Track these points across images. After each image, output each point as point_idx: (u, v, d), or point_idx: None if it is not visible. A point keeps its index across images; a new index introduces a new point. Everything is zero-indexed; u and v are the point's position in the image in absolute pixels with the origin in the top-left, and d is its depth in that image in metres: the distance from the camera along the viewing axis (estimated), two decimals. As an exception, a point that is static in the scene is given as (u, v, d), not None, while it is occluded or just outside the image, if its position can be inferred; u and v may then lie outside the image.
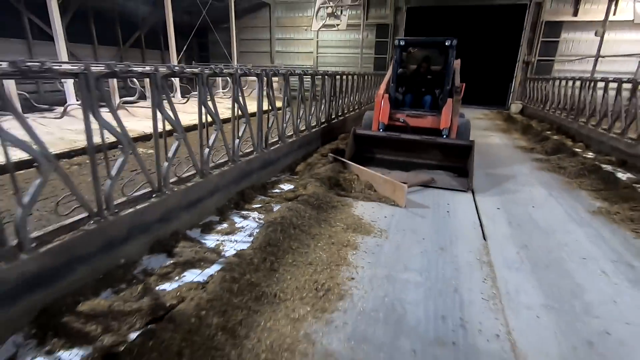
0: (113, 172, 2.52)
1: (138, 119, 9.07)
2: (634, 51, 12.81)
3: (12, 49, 11.93)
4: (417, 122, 5.91)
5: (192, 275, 2.64)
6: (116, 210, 2.58)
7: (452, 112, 5.54)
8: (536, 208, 4.33)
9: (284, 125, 5.17)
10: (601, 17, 12.37)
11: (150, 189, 2.91)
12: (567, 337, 2.18)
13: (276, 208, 3.76)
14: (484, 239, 3.48)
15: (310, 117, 6.32)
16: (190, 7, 16.61)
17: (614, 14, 13.24)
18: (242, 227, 3.45)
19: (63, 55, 8.35)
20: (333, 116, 7.70)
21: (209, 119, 3.45)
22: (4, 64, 1.87)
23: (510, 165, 6.30)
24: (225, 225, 3.46)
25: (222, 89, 14.09)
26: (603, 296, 2.60)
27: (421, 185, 4.81)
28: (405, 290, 2.59)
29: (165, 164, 2.98)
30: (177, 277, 2.61)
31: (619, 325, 2.29)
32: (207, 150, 3.39)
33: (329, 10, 13.00)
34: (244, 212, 3.77)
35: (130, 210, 2.66)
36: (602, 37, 11.14)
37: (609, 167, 5.95)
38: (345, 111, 8.74)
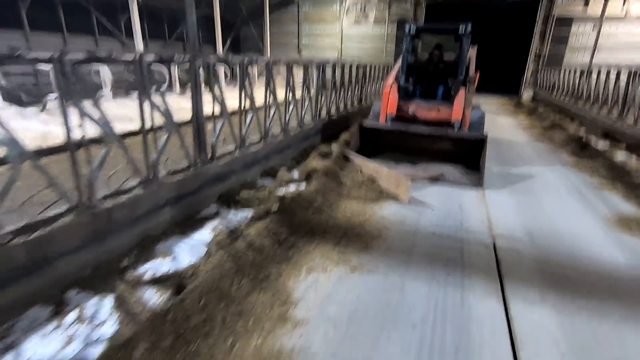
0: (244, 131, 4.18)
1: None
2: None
3: (82, 43, 13.87)
4: (427, 113, 5.65)
5: (294, 186, 4.28)
6: (248, 146, 4.25)
7: (465, 104, 5.28)
8: (527, 165, 5.80)
9: (319, 106, 6.20)
10: (608, 13, 13.45)
11: (257, 140, 4.56)
12: (524, 219, 3.74)
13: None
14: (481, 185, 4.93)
15: (331, 103, 6.96)
16: (225, 3, 18.32)
17: (622, 9, 14.30)
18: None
19: (140, 48, 10.14)
20: (359, 101, 8.98)
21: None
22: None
23: (511, 138, 7.75)
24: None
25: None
26: (558, 206, 4.10)
27: (429, 180, 4.67)
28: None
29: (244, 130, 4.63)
30: (284, 188, 4.24)
31: (560, 219, 3.84)
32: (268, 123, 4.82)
33: (358, 9, 14.46)
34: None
35: (253, 150, 4.30)
36: (598, 32, 12.37)
37: (592, 139, 7.32)
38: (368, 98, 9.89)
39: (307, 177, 4.37)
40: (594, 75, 9.18)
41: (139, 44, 10.08)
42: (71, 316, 2.05)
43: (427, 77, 6.20)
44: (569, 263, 2.89)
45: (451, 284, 2.55)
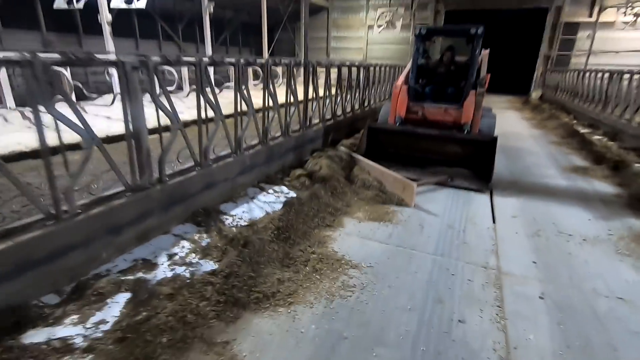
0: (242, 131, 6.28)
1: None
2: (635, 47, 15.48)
3: (149, 47, 16.34)
4: (437, 115, 5.67)
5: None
6: (246, 149, 6.36)
7: (475, 106, 5.31)
8: (520, 142, 7.77)
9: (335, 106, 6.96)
10: (612, 19, 15.14)
11: (280, 134, 6.67)
12: (510, 167, 5.73)
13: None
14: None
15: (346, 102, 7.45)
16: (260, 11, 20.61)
17: (625, 15, 15.93)
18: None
19: (208, 51, 12.43)
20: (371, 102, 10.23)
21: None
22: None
23: (513, 125, 9.67)
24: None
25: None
26: (535, 162, 6.09)
27: (436, 184, 4.67)
28: (446, 155, 6.24)
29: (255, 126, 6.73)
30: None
31: (534, 168, 5.83)
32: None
33: (387, 19, 16.56)
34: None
35: (252, 151, 6.41)
36: (593, 38, 14.14)
37: (579, 128, 9.16)
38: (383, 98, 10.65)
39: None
40: (587, 76, 10.99)
41: (209, 49, 12.36)
42: (271, 192, 4.21)
43: (438, 79, 6.19)
44: (531, 183, 4.91)
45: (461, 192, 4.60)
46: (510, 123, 10.12)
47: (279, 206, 3.81)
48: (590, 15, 16.77)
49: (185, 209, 3.43)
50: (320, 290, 2.51)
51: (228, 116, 3.73)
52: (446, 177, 4.73)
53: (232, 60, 3.83)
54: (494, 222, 3.73)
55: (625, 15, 15.79)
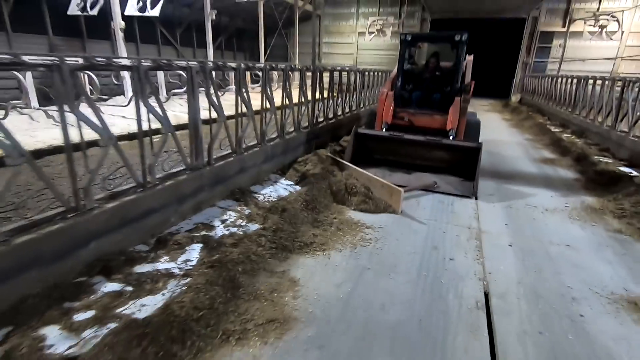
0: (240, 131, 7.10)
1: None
2: (603, 55, 16.89)
3: (148, 51, 16.89)
4: (423, 121, 5.72)
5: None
6: (269, 141, 7.17)
7: (460, 112, 5.39)
8: (499, 137, 8.73)
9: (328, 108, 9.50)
10: (581, 29, 16.49)
11: (293, 129, 7.49)
12: (489, 159, 6.64)
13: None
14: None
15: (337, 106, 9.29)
16: (256, 17, 21.37)
17: (594, 27, 17.32)
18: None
19: (210, 56, 13.11)
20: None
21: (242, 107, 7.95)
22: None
23: (493, 124, 10.68)
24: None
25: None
26: (511, 154, 7.03)
27: (423, 190, 4.71)
28: (435, 149, 7.12)
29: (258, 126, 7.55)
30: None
31: (509, 159, 6.76)
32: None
33: (378, 27, 17.61)
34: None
35: (272, 143, 7.22)
36: (564, 47, 15.49)
37: (552, 127, 10.22)
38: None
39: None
40: (559, 81, 12.14)
41: (211, 54, 13.04)
42: (283, 178, 4.97)
43: (423, 85, 6.26)
44: (507, 170, 5.81)
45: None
46: (492, 123, 11.14)
47: (298, 188, 4.57)
48: (564, 26, 18.17)
49: (226, 187, 4.16)
50: (345, 241, 3.29)
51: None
52: (433, 182, 4.80)
53: (261, 65, 4.60)
54: (476, 198, 4.57)
55: (594, 26, 17.21)
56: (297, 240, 3.17)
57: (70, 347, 1.94)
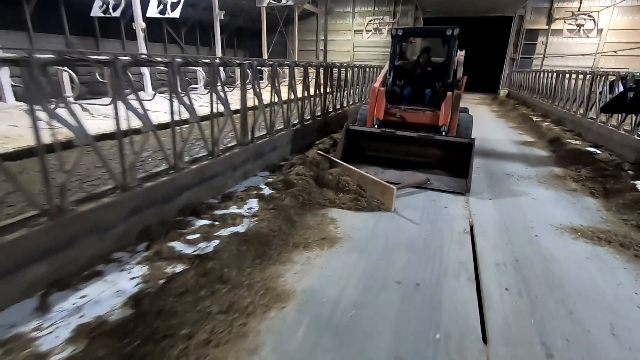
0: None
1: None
2: (584, 51, 18.08)
3: (155, 49, 17.65)
4: (415, 117, 5.70)
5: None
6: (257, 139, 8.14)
7: (452, 108, 5.37)
8: (486, 126, 9.80)
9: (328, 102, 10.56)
10: (561, 27, 17.65)
11: (283, 124, 8.45)
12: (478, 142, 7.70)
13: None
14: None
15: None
16: (255, 16, 22.22)
17: (573, 24, 18.50)
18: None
19: (218, 54, 13.97)
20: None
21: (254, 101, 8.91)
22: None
23: (482, 115, 11.77)
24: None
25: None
26: (496, 137, 8.09)
27: (415, 187, 4.68)
28: (430, 135, 8.15)
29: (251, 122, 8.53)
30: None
31: (494, 142, 7.82)
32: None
33: (375, 25, 18.62)
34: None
35: (267, 138, 8.21)
36: (545, 44, 16.66)
37: (534, 117, 11.32)
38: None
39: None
40: (541, 76, 13.27)
41: (219, 52, 13.90)
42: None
43: (415, 81, 6.19)
44: (491, 150, 6.86)
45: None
46: (481, 114, 12.22)
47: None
48: (548, 24, 19.35)
49: (263, 162, 5.14)
50: (362, 203, 4.28)
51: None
52: (425, 179, 4.74)
53: (288, 62, 5.56)
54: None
55: (573, 25, 18.42)
56: (323, 199, 4.15)
57: (194, 251, 2.91)
